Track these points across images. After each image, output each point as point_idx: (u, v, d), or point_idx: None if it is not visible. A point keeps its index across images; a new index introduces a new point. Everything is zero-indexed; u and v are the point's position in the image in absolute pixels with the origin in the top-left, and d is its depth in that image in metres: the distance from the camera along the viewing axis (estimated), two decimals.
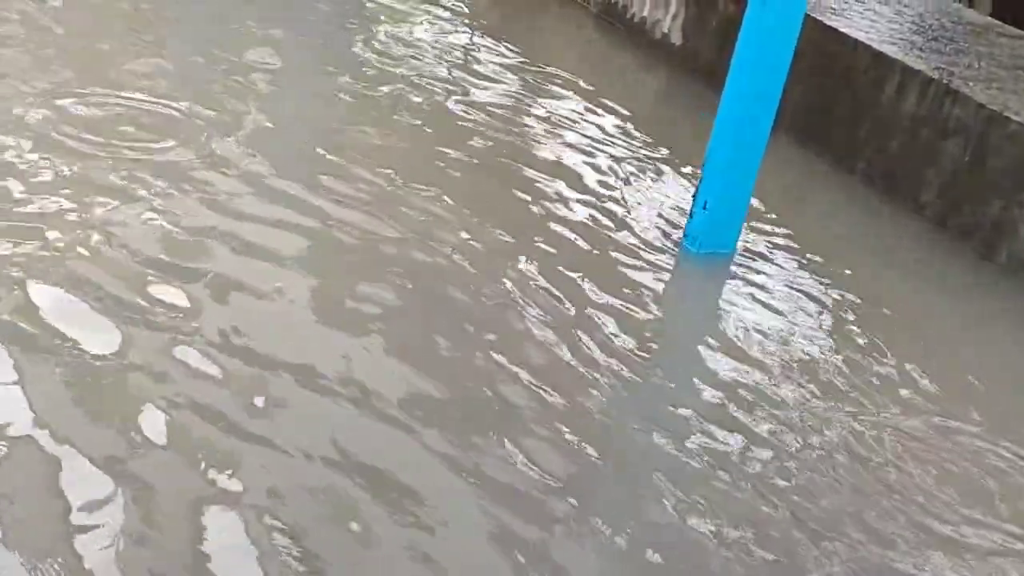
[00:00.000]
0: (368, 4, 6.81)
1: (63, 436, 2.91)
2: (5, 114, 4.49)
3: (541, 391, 3.43)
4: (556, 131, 5.48)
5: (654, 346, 3.84)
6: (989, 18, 6.67)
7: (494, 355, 3.56)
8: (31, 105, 4.59)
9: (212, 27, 5.90)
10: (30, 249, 3.64)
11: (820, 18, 5.77)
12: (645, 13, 6.97)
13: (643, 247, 4.46)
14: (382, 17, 6.64)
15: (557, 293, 3.99)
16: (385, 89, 5.51)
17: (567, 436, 3.25)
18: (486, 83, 5.88)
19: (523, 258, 4.19)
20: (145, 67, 5.19)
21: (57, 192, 3.99)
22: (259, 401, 3.16)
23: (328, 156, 4.69)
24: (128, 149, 4.39)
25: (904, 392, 3.80)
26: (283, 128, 4.88)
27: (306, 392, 3.24)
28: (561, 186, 4.87)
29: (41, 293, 3.46)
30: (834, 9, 6.01)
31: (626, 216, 4.71)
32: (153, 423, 3.01)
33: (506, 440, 3.19)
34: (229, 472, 2.89)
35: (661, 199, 4.94)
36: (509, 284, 3.98)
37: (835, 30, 5.68)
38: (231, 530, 2.73)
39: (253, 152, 4.55)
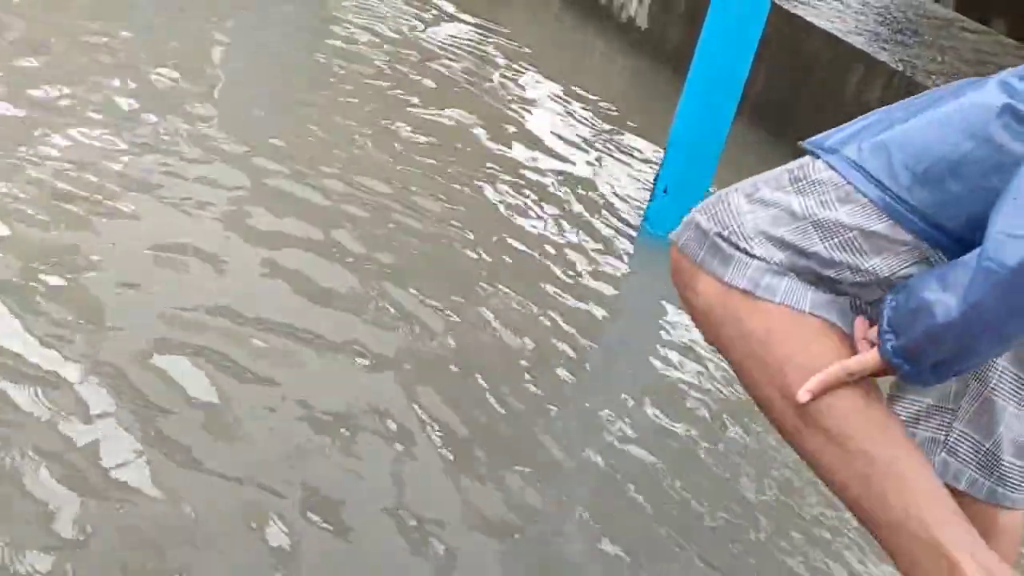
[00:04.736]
0: None
1: None
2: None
3: (484, 374, 3.42)
4: (520, 110, 5.46)
5: (608, 330, 3.84)
6: (953, 12, 6.71)
7: (438, 333, 3.55)
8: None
9: None
10: None
11: (786, 6, 5.78)
12: None
13: (605, 229, 4.46)
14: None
15: (514, 270, 3.98)
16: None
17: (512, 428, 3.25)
18: (448, 58, 5.85)
19: (480, 233, 4.18)
20: None
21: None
22: None
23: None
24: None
25: None
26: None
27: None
28: (524, 166, 4.85)
29: None
30: None
31: (589, 199, 4.70)
32: None
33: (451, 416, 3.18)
34: None
35: (625, 182, 4.94)
36: (463, 262, 3.98)
37: (801, 19, 5.70)
38: None
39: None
